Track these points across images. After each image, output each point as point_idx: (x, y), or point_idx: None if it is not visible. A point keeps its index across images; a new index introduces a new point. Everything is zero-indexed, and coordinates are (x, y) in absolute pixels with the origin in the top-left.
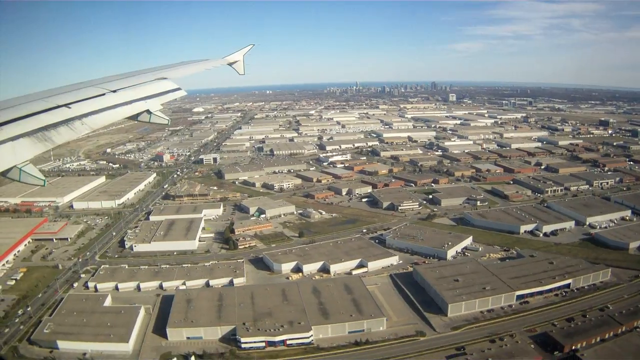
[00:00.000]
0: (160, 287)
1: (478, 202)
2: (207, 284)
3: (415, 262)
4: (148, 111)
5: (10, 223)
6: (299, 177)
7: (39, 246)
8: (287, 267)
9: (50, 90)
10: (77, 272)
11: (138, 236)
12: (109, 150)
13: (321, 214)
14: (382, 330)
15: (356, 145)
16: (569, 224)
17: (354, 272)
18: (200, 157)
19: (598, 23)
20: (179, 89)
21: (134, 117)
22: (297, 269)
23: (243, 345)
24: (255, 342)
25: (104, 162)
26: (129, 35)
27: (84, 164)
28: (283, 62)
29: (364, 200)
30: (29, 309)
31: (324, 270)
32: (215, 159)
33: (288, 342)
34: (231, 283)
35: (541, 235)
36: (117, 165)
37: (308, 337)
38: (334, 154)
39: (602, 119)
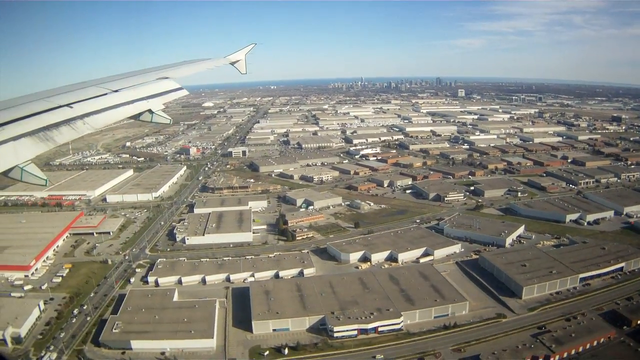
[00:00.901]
0: (228, 279)
1: (519, 194)
2: (277, 275)
3: (477, 250)
4: (150, 111)
5: (44, 217)
6: (335, 169)
7: (79, 241)
8: (354, 256)
9: (52, 90)
10: (130, 267)
11: (189, 229)
12: (128, 144)
13: (370, 205)
14: (464, 314)
15: (382, 138)
16: (609, 214)
17: (421, 261)
18: (229, 150)
19: (599, 19)
20: (180, 88)
21: (136, 117)
22: (365, 259)
23: (335, 335)
24: (347, 330)
25: (127, 155)
26: (131, 35)
27: (107, 157)
28: (285, 59)
29: (408, 191)
30: (84, 307)
31: (391, 259)
32: (244, 152)
33: (380, 329)
34: (301, 274)
35: (585, 224)
36: (142, 159)
37: (398, 323)
38: (364, 147)
39: (615, 115)
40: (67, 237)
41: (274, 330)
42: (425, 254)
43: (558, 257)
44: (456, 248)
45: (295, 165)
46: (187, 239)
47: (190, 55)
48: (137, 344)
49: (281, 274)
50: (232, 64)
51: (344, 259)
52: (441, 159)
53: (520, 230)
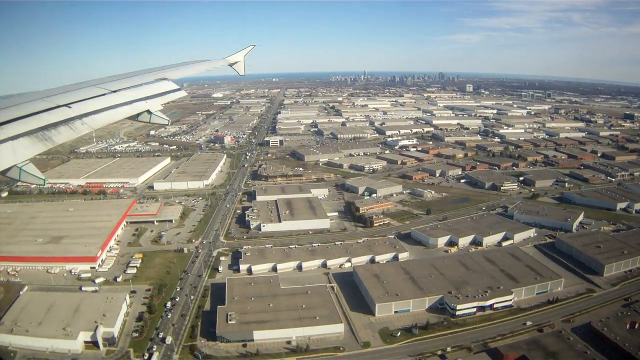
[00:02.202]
0: (324, 265)
1: (566, 184)
2: (372, 260)
3: (548, 234)
4: (148, 111)
5: (93, 205)
6: (381, 159)
7: (139, 229)
8: (442, 241)
9: (51, 89)
10: (210, 255)
11: (261, 216)
12: (152, 132)
13: (432, 193)
14: (560, 290)
15: (413, 130)
16: None
17: (503, 244)
18: (266, 139)
19: (598, 18)
20: (179, 89)
21: (134, 117)
22: (451, 243)
23: (457, 313)
24: (467, 308)
25: (156, 143)
26: (130, 35)
27: (135, 145)
28: (284, 52)
29: (462, 181)
30: (177, 299)
31: (475, 242)
32: (281, 141)
33: (494, 305)
34: (395, 258)
35: (634, 212)
36: (174, 147)
37: (510, 300)
38: (399, 138)
39: (627, 112)
40: (124, 225)
41: (395, 312)
42: (505, 238)
43: (624, 240)
44: (531, 232)
45: (340, 155)
46: (263, 225)
47: (189, 55)
48: (259, 335)
49: (377, 258)
50: (231, 65)
51: (431, 243)
52: (479, 151)
53: (581, 217)
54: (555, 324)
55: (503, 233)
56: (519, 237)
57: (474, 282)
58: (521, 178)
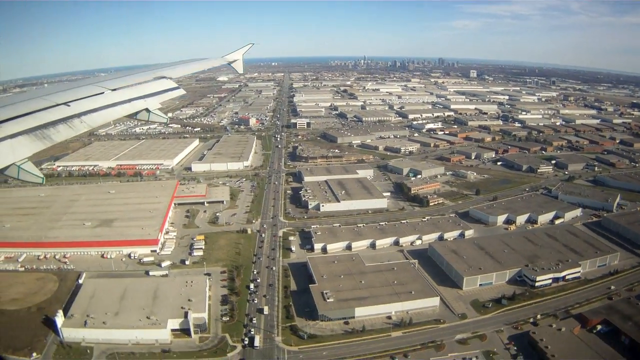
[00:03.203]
0: (396, 243)
1: (595, 168)
2: (441, 237)
3: (593, 213)
4: (147, 109)
5: (136, 187)
6: (413, 141)
7: (191, 210)
8: (500, 219)
9: (50, 88)
10: (276, 235)
11: (317, 196)
12: (170, 114)
13: (474, 174)
14: (616, 263)
15: (435, 114)
16: None
17: (556, 222)
18: (292, 121)
19: (596, 6)
20: (177, 87)
21: (133, 116)
22: (509, 221)
23: (537, 284)
24: (544, 279)
25: (177, 125)
26: (129, 34)
27: (156, 128)
28: (281, 37)
29: (498, 163)
30: (258, 280)
31: (531, 221)
32: (308, 124)
33: (566, 277)
34: (462, 235)
35: None
36: (198, 129)
37: (578, 272)
38: (425, 121)
39: (634, 101)
40: (173, 207)
41: (480, 285)
42: (556, 217)
43: None
44: (577, 212)
45: (371, 137)
46: (322, 205)
47: (187, 52)
48: (361, 311)
49: (445, 235)
50: (230, 63)
51: (491, 221)
52: (504, 135)
53: (618, 198)
54: (620, 293)
55: (554, 212)
56: (568, 215)
57: (544, 256)
58: (553, 161)
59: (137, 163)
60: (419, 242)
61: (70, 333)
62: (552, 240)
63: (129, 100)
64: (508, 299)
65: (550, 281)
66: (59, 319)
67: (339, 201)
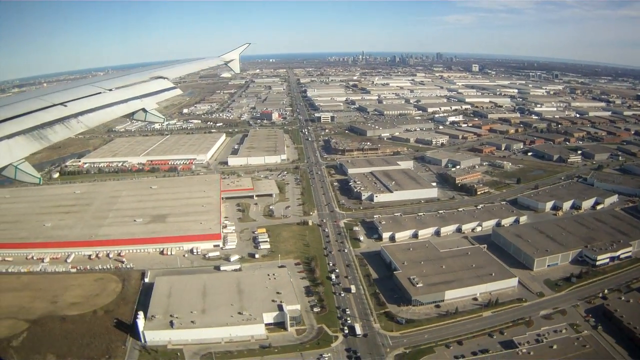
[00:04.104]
0: (458, 230)
1: (620, 157)
2: (498, 224)
3: (628, 200)
4: (144, 109)
5: (179, 182)
6: (441, 134)
7: (241, 204)
8: (548, 205)
9: (47, 88)
10: (337, 226)
11: (367, 187)
12: (185, 110)
13: (510, 164)
14: None
15: (453, 107)
16: None
17: (597, 207)
18: (316, 115)
19: (591, 0)
20: (174, 87)
21: (130, 116)
22: (555, 207)
23: (597, 263)
24: (604, 259)
25: (197, 121)
26: (125, 34)
27: (175, 124)
28: (277, 33)
29: (529, 154)
30: (337, 270)
31: (575, 206)
32: (332, 117)
33: (621, 256)
34: (517, 221)
35: None
36: (220, 124)
37: (629, 252)
38: (445, 114)
39: (639, 94)
40: (222, 201)
41: (548, 265)
42: (596, 203)
43: None
44: (614, 198)
45: (398, 130)
46: (376, 196)
47: (184, 51)
48: (450, 294)
49: (503, 222)
50: (226, 63)
51: (540, 207)
52: (525, 127)
53: None
54: None
55: (594, 198)
56: (607, 201)
57: (598, 238)
58: (579, 152)
59: (169, 158)
60: (479, 228)
61: (154, 336)
62: (601, 224)
63: (126, 101)
64: (576, 277)
65: (607, 260)
66: (141, 322)
67: (391, 191)
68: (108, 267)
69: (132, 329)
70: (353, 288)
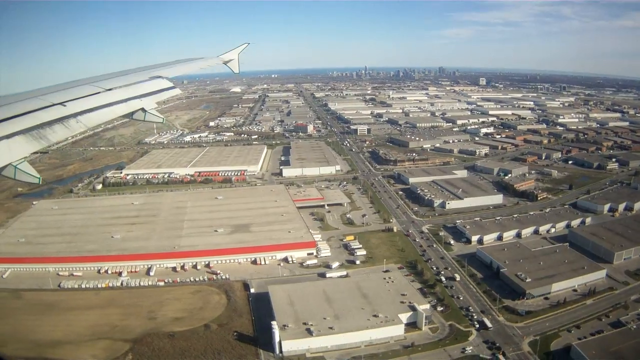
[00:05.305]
0: (536, 232)
1: None
2: (568, 225)
3: None
4: (143, 109)
5: (245, 192)
6: (480, 144)
7: (315, 213)
8: (606, 207)
9: (46, 88)
10: (419, 231)
11: (436, 195)
12: (212, 123)
13: (556, 172)
14: None
15: (480, 120)
16: None
17: None
18: (352, 127)
19: (588, 11)
20: (173, 87)
21: (129, 116)
22: (611, 209)
23: None
24: None
25: (231, 133)
26: (124, 34)
27: (207, 136)
28: (276, 49)
29: (569, 162)
30: (442, 272)
31: (627, 208)
32: (369, 130)
33: None
34: (583, 222)
35: None
36: (256, 137)
37: None
38: (476, 127)
39: None
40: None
41: (624, 259)
42: None
43: None
44: None
45: (439, 141)
46: (448, 203)
47: (183, 53)
48: (556, 287)
49: (572, 223)
50: (225, 63)
51: (599, 210)
52: (556, 138)
53: None
54: None
55: None
56: None
57: None
58: (613, 159)
59: (219, 169)
60: (553, 230)
61: (292, 345)
62: None
63: (125, 100)
64: None
65: None
66: (277, 332)
67: (461, 198)
68: (200, 279)
69: (256, 341)
70: (462, 289)
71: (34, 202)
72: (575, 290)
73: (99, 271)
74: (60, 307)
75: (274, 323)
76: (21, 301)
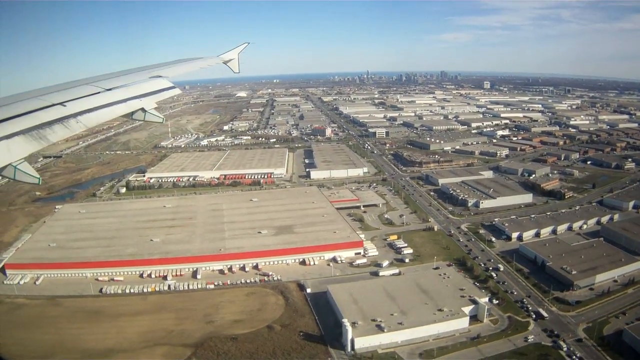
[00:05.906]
0: (569, 228)
1: None
2: (598, 222)
3: None
4: (143, 109)
5: (281, 194)
6: (500, 146)
7: (352, 214)
8: (631, 205)
9: (46, 88)
10: (457, 228)
11: (469, 195)
12: (226, 127)
13: (577, 172)
14: None
15: (494, 122)
16: None
17: None
18: (371, 130)
19: (587, 14)
20: (173, 87)
21: (129, 116)
22: (636, 206)
23: None
24: None
25: (248, 137)
26: (124, 33)
27: (223, 140)
28: (277, 54)
29: (588, 162)
30: (490, 268)
31: None
32: (387, 133)
33: None
34: (611, 218)
35: None
36: (274, 140)
37: None
38: (491, 129)
39: None
40: None
41: None
42: None
43: None
44: None
45: (458, 143)
46: (481, 202)
47: (184, 54)
48: (600, 277)
49: (602, 219)
50: (225, 63)
51: (625, 207)
52: (571, 139)
53: None
54: None
55: None
56: None
57: None
58: (629, 159)
59: (246, 172)
60: (585, 226)
61: (364, 342)
62: None
63: (125, 100)
64: None
65: None
66: (349, 329)
67: (494, 198)
68: (251, 280)
69: (324, 340)
70: (512, 282)
71: (57, 207)
72: (615, 281)
73: (141, 275)
74: (106, 314)
75: (344, 321)
76: (60, 308)
